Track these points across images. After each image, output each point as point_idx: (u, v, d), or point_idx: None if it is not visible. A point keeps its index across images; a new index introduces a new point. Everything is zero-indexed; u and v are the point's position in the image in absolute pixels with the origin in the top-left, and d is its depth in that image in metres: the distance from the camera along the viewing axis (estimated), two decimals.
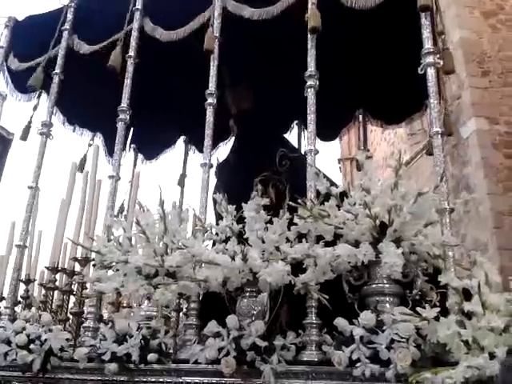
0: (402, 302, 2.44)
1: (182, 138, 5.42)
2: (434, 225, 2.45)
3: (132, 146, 5.25)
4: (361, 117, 5.03)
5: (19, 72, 4.06)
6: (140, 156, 5.40)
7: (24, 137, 4.02)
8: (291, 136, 5.10)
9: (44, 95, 4.15)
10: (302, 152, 5.09)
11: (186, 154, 5.40)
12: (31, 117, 4.06)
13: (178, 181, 5.31)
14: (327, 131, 5.13)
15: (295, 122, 5.03)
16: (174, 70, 4.35)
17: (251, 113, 4.23)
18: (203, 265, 2.67)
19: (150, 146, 5.38)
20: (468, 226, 6.18)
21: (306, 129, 5.06)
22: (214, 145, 5.18)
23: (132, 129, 5.15)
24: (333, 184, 2.77)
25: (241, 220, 2.78)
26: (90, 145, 4.51)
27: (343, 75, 4.36)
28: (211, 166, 3.14)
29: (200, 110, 3.31)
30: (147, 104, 4.71)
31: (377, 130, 8.25)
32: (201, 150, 5.48)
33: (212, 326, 2.53)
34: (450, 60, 3.84)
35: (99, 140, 4.95)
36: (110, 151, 4.98)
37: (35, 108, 4.11)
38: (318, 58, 3.14)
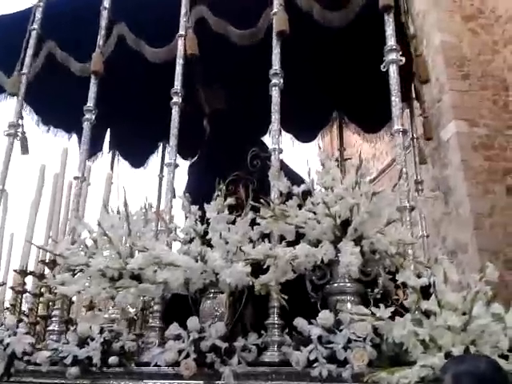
0: (365, 301, 2.42)
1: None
2: (397, 223, 2.43)
3: (115, 151, 5.20)
4: (338, 120, 5.06)
5: None
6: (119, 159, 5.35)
7: (25, 150, 3.97)
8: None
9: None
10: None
11: (163, 158, 5.34)
12: (22, 126, 3.99)
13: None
14: (305, 133, 5.14)
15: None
16: (150, 73, 4.32)
17: (225, 113, 4.20)
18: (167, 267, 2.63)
19: (133, 152, 5.32)
20: (448, 227, 6.18)
21: (284, 130, 5.15)
22: (194, 149, 5.17)
23: (109, 132, 5.15)
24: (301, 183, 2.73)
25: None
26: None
27: (319, 78, 4.36)
28: (176, 166, 3.10)
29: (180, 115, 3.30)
30: (127, 110, 4.70)
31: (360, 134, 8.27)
32: (182, 155, 5.49)
33: (173, 329, 2.50)
34: (425, 68, 3.85)
35: (74, 141, 4.88)
36: (88, 151, 4.96)
37: (22, 117, 4.05)
38: (292, 60, 3.12)
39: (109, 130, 5.10)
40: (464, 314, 2.07)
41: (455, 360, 1.80)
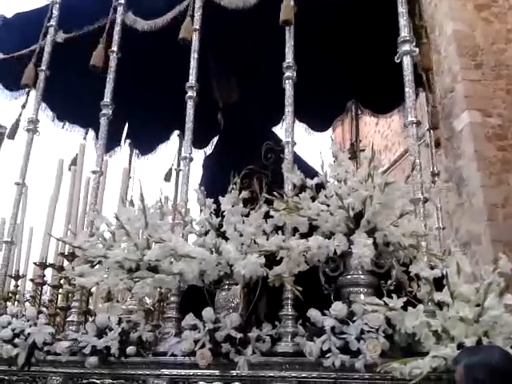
0: (378, 293, 2.44)
1: (177, 132, 5.41)
2: (410, 215, 2.45)
3: (132, 146, 5.27)
4: (353, 108, 5.05)
5: (6, 70, 4.07)
6: (136, 151, 5.41)
7: (12, 135, 4.04)
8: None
9: (33, 92, 4.16)
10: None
11: (180, 148, 5.39)
12: (20, 115, 4.08)
13: (165, 176, 5.34)
14: (319, 122, 5.15)
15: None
16: (165, 64, 4.36)
17: (239, 106, 4.22)
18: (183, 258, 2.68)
19: (145, 140, 5.38)
20: (461, 218, 6.16)
21: (297, 119, 5.16)
22: (207, 139, 5.21)
23: (127, 124, 5.21)
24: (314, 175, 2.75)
25: None
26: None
27: (333, 66, 4.36)
28: (191, 159, 3.14)
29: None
30: (140, 99, 4.74)
31: (370, 123, 8.23)
32: (194, 145, 5.53)
33: (189, 319, 2.55)
34: (428, 57, 3.83)
35: (91, 136, 4.95)
36: (106, 146, 5.01)
37: (24, 106, 4.13)
38: (306, 49, 3.12)
39: (127, 124, 5.17)
40: (478, 305, 2.09)
41: (468, 351, 1.81)
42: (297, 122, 5.24)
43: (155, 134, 5.34)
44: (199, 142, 5.28)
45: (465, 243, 5.98)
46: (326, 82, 4.51)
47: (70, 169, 3.98)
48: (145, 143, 5.41)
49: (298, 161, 3.96)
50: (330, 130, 5.44)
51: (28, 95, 4.19)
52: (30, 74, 3.87)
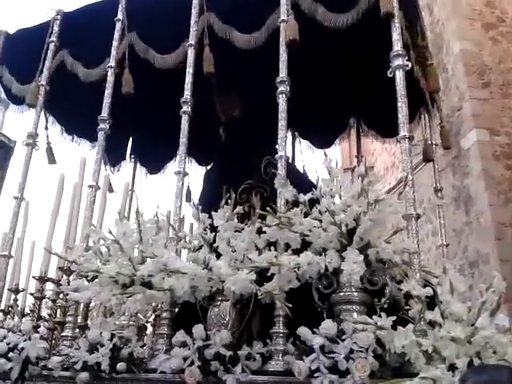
0: (372, 311, 2.39)
1: None
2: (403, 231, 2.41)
3: (132, 156, 5.30)
4: (355, 126, 5.03)
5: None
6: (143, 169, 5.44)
7: (52, 160, 4.09)
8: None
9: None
10: (297, 160, 5.12)
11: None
12: (47, 137, 4.12)
13: (186, 197, 5.32)
14: (322, 139, 5.13)
15: (288, 130, 5.00)
16: (170, 83, 4.39)
17: (240, 121, 4.23)
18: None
19: (152, 159, 5.40)
20: (469, 237, 6.07)
21: (300, 137, 5.16)
22: (208, 153, 5.21)
23: (131, 140, 5.24)
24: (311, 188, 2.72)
25: None
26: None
27: (333, 84, 4.36)
28: (186, 174, 3.14)
29: (197, 123, 3.34)
30: (146, 117, 4.78)
31: (378, 139, 8.16)
32: (199, 162, 5.54)
33: (179, 336, 2.52)
34: (435, 79, 3.82)
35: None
36: (111, 160, 5.07)
37: (46, 128, 4.19)
38: (306, 67, 3.10)
39: (131, 139, 5.20)
40: (473, 325, 2.04)
41: (475, 370, 1.75)
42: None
43: (162, 152, 5.34)
44: (204, 159, 5.31)
45: (472, 262, 5.88)
46: (327, 100, 4.51)
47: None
48: (151, 161, 5.43)
49: (295, 173, 3.94)
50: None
51: (46, 112, 4.25)
52: (34, 92, 3.90)
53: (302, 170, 4.37)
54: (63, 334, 3.14)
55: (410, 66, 2.80)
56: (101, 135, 3.43)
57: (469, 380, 1.61)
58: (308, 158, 5.02)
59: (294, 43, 3.16)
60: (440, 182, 4.18)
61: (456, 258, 5.97)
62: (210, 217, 2.80)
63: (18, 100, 4.15)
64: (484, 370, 1.69)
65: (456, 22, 6.63)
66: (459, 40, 6.54)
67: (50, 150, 4.14)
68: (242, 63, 3.84)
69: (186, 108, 3.24)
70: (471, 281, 5.73)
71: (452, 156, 6.28)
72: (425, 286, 2.27)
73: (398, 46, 2.87)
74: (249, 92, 4.16)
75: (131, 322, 2.91)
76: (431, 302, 2.18)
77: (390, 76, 2.81)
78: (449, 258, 4.39)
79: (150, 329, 3.63)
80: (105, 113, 3.42)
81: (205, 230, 2.80)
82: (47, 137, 4.13)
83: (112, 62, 3.54)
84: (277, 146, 2.99)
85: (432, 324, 2.12)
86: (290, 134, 5.06)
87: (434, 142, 4.26)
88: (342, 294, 2.43)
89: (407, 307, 2.43)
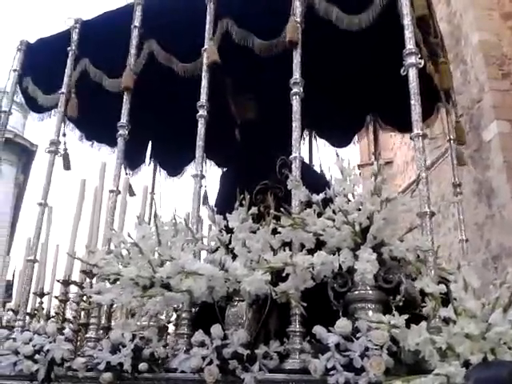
0: (388, 309, 2.40)
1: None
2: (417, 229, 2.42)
3: (156, 163, 5.37)
4: (372, 123, 5.00)
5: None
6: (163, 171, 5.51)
7: (67, 166, 4.20)
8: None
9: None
10: (314, 160, 5.13)
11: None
12: (65, 143, 4.22)
13: (203, 199, 5.36)
14: (339, 138, 5.12)
15: (305, 130, 5.01)
16: (190, 86, 4.44)
17: (255, 123, 4.25)
18: None
19: (172, 161, 5.46)
20: (492, 230, 6.00)
21: (317, 137, 5.16)
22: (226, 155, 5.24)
23: (151, 144, 5.31)
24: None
25: None
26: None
27: (351, 81, 4.35)
28: (203, 176, 3.18)
29: (214, 126, 3.38)
30: (165, 120, 4.83)
31: (396, 134, 8.11)
32: (218, 164, 5.59)
33: (198, 335, 2.57)
34: (447, 76, 3.77)
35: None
36: (131, 165, 5.15)
37: (64, 134, 4.29)
38: (325, 64, 3.06)
39: (150, 142, 5.27)
40: (487, 321, 2.04)
41: (479, 366, 1.77)
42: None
43: (181, 155, 5.40)
44: (222, 161, 5.34)
45: (496, 256, 5.80)
46: (344, 98, 4.50)
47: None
48: (171, 164, 5.48)
49: (309, 171, 3.94)
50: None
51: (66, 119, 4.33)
52: (73, 105, 3.99)
53: (318, 170, 4.38)
54: (87, 335, 3.22)
55: (422, 63, 2.78)
56: (120, 141, 3.50)
57: (471, 377, 1.63)
58: (327, 158, 5.02)
59: (292, 43, 3.15)
60: (459, 177, 4.14)
61: (479, 252, 5.89)
62: (225, 218, 2.84)
63: (45, 109, 4.25)
64: (487, 368, 1.71)
65: (474, 13, 6.53)
66: (478, 31, 6.44)
67: (66, 157, 4.22)
68: (257, 65, 3.87)
69: (202, 112, 3.28)
70: (495, 275, 5.65)
71: (473, 149, 6.20)
72: (440, 283, 2.28)
73: (410, 44, 2.85)
74: (264, 94, 4.18)
75: (152, 323, 2.98)
76: (447, 299, 2.19)
77: (404, 74, 2.80)
78: (471, 252, 4.35)
79: (172, 328, 3.71)
80: (124, 119, 3.48)
81: (221, 231, 2.85)
82: (64, 143, 4.20)
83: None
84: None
85: (447, 321, 2.12)
86: (307, 134, 5.09)
87: (451, 137, 4.22)
88: (356, 292, 2.45)
89: (424, 304, 2.45)
